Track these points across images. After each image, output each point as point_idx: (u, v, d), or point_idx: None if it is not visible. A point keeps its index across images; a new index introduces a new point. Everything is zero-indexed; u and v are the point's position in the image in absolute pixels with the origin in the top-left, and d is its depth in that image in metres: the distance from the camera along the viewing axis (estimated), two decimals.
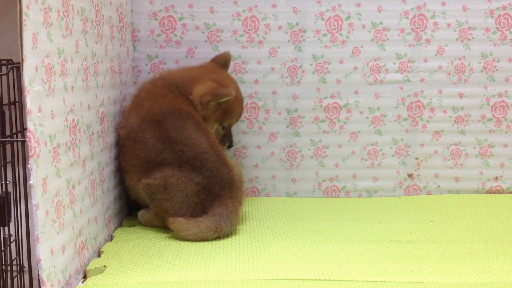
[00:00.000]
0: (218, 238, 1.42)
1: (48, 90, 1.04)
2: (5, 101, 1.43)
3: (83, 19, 1.26)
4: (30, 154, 0.96)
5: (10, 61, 1.89)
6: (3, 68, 1.84)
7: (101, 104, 1.41)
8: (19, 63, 0.96)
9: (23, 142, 1.27)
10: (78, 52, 1.21)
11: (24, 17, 0.94)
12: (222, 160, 1.51)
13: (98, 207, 1.35)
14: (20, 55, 0.95)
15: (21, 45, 0.95)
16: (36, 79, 0.98)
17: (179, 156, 1.47)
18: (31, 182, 0.96)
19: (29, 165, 0.96)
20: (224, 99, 1.58)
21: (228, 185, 1.49)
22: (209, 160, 1.49)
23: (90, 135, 1.30)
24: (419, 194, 1.87)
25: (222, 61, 1.71)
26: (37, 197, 0.97)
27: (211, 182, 1.47)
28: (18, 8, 0.94)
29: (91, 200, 1.29)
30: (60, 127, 1.10)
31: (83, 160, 1.24)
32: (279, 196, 1.88)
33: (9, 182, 1.36)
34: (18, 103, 1.43)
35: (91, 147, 1.30)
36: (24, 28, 0.94)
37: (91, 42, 1.32)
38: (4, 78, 1.80)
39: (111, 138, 1.49)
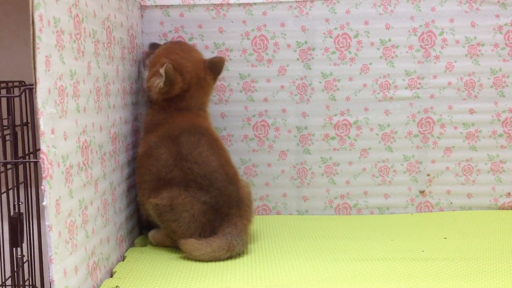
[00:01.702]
0: (230, 257, 1.42)
1: (61, 111, 1.05)
2: (18, 122, 1.45)
3: (95, 41, 1.27)
4: (43, 175, 0.96)
5: (23, 83, 1.91)
6: (16, 90, 1.86)
7: (113, 125, 1.42)
8: (31, 84, 0.98)
9: (36, 163, 1.29)
10: (90, 73, 1.23)
11: (37, 40, 0.96)
12: (231, 178, 1.51)
13: (110, 227, 1.36)
14: (33, 77, 0.96)
15: (34, 68, 0.96)
16: (49, 101, 0.99)
17: (187, 175, 1.48)
18: (44, 203, 0.96)
19: (42, 187, 0.97)
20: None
21: (236, 203, 1.49)
22: (218, 179, 1.49)
23: (102, 156, 1.30)
24: (431, 211, 1.86)
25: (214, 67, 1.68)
26: (50, 218, 0.97)
27: (219, 201, 1.47)
28: (31, 31, 0.96)
29: (103, 220, 1.30)
30: (73, 148, 1.11)
31: (96, 181, 1.24)
32: (290, 214, 1.87)
33: (22, 202, 1.38)
34: (31, 124, 1.45)
35: (103, 167, 1.31)
36: (37, 51, 0.96)
37: (103, 63, 1.34)
38: (16, 99, 1.83)
39: (122, 158, 1.50)
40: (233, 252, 1.42)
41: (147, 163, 1.52)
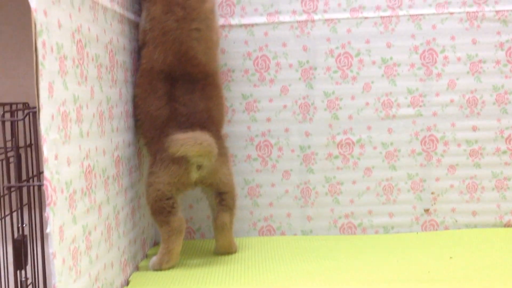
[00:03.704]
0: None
1: (64, 137, 1.05)
2: (21, 143, 1.45)
3: (98, 65, 1.28)
4: (47, 202, 0.96)
5: (26, 105, 1.92)
6: (19, 113, 1.87)
7: (116, 148, 1.41)
8: (35, 107, 0.98)
9: (39, 187, 1.29)
10: (93, 98, 1.23)
11: (40, 67, 0.96)
12: (213, 120, 1.59)
13: (114, 252, 1.35)
14: (37, 104, 0.96)
15: (38, 94, 0.96)
16: (52, 127, 0.99)
17: (171, 113, 1.55)
18: (48, 230, 0.96)
19: (45, 214, 0.96)
20: None
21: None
22: (199, 120, 1.55)
23: (105, 180, 1.30)
24: (436, 230, 1.85)
25: None
26: (54, 245, 0.97)
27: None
28: (34, 58, 0.96)
29: (107, 245, 1.29)
30: (76, 173, 1.10)
31: (99, 205, 1.24)
32: (294, 235, 1.86)
33: (26, 225, 1.37)
34: (34, 145, 1.45)
35: (107, 191, 1.31)
36: (40, 78, 0.96)
37: (106, 87, 1.34)
38: (20, 121, 1.83)
39: (126, 181, 1.50)
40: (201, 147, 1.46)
41: (147, 89, 1.55)
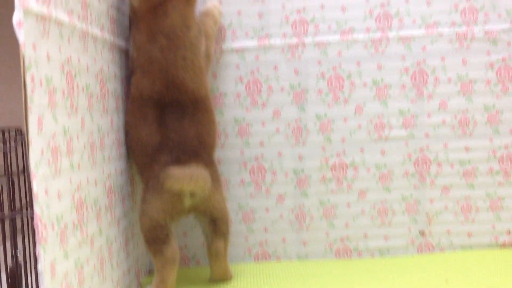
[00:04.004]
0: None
1: (55, 171, 1.03)
2: (14, 168, 1.44)
3: (88, 95, 1.27)
4: (37, 238, 0.94)
5: (19, 130, 1.90)
6: (12, 141, 1.85)
7: (108, 177, 1.40)
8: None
9: (32, 217, 1.27)
10: (84, 128, 1.22)
11: (28, 101, 0.95)
12: (205, 146, 1.59)
13: (108, 284, 1.33)
14: (26, 139, 0.95)
15: (27, 129, 0.95)
16: (42, 162, 0.98)
17: (163, 139, 1.54)
18: (39, 268, 0.94)
19: (37, 252, 0.94)
20: None
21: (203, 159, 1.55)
22: (190, 145, 1.55)
23: (97, 211, 1.28)
24: (432, 252, 1.83)
25: None
26: (45, 283, 0.95)
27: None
28: (23, 92, 0.95)
29: (100, 278, 1.27)
30: (67, 207, 1.09)
31: (91, 238, 1.22)
32: (290, 259, 1.84)
33: (19, 251, 1.35)
34: (27, 171, 1.43)
35: (99, 222, 1.29)
36: (29, 113, 0.94)
37: (97, 116, 1.33)
38: (12, 143, 1.81)
39: (118, 210, 1.48)
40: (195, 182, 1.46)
41: (137, 116, 1.54)
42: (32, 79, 0.96)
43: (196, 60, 1.58)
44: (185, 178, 1.44)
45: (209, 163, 1.55)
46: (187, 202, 1.52)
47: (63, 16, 1.10)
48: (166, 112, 1.54)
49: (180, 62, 1.54)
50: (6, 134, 1.85)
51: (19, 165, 1.56)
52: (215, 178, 1.56)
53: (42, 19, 1.00)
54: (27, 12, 0.94)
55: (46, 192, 0.99)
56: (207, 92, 1.62)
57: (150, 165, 1.52)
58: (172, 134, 1.53)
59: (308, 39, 1.80)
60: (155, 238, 1.48)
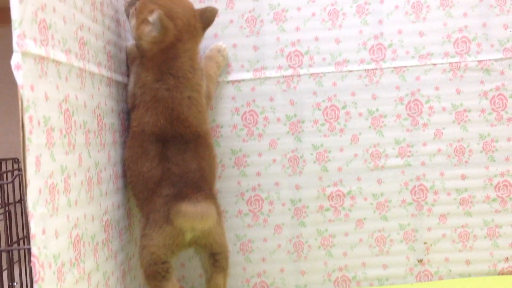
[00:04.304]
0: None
1: (52, 210, 1.04)
2: (10, 198, 1.45)
3: (86, 132, 1.28)
4: (34, 279, 0.94)
5: (16, 160, 1.91)
6: (9, 175, 1.86)
7: (105, 212, 1.40)
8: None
9: (29, 249, 1.27)
10: (81, 165, 1.23)
11: (27, 142, 0.96)
12: (206, 180, 1.58)
13: None
14: (24, 179, 0.96)
15: (25, 170, 0.96)
16: (39, 202, 0.99)
17: (164, 174, 1.53)
18: None
19: None
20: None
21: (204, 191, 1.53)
22: (192, 178, 1.53)
23: (95, 246, 1.29)
24: (431, 280, 1.83)
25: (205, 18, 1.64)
26: None
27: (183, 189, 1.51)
28: (21, 133, 0.96)
29: None
30: (64, 245, 1.09)
31: (88, 274, 1.22)
32: None
33: (16, 283, 1.36)
34: (24, 201, 1.44)
35: (96, 258, 1.29)
36: (27, 153, 0.96)
37: (94, 152, 1.34)
38: (9, 175, 1.82)
39: (116, 244, 1.48)
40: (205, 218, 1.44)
41: (138, 151, 1.54)
42: (30, 120, 0.97)
43: (200, 99, 1.60)
44: (197, 216, 1.43)
45: (211, 197, 1.55)
46: (189, 236, 1.51)
47: (60, 56, 1.12)
48: (168, 147, 1.55)
49: (186, 101, 1.56)
50: (4, 166, 1.87)
51: (15, 196, 1.57)
52: (217, 212, 1.56)
53: (40, 60, 1.02)
54: (25, 54, 0.95)
55: (43, 231, 0.99)
56: (208, 129, 1.64)
57: (151, 198, 1.52)
58: (174, 167, 1.53)
59: (303, 71, 1.83)
60: (155, 273, 1.48)
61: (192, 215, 1.44)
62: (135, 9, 1.57)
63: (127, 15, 1.63)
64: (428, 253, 1.84)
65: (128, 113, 1.65)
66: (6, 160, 1.85)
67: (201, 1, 1.81)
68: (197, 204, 1.46)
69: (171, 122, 1.55)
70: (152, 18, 1.51)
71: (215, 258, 1.57)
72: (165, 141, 1.55)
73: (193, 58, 1.61)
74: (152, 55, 1.54)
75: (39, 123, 1.00)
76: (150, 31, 1.52)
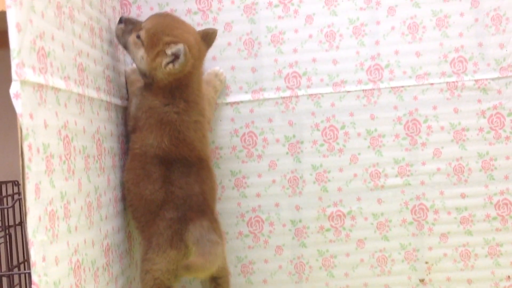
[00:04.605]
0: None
1: (52, 236, 1.04)
2: (11, 221, 1.45)
3: (85, 157, 1.28)
4: None
5: (16, 182, 1.91)
6: (9, 199, 1.86)
7: (106, 237, 1.40)
8: None
9: (30, 274, 1.27)
10: (81, 190, 1.23)
11: (26, 170, 0.96)
12: (208, 204, 1.57)
13: None
14: (24, 207, 0.96)
15: (24, 197, 0.96)
16: (39, 229, 0.99)
17: (167, 196, 1.53)
18: None
19: None
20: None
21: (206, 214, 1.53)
22: (195, 202, 1.53)
23: (95, 272, 1.29)
24: None
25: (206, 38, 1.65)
26: None
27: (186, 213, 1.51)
28: (21, 161, 0.96)
29: None
30: (65, 272, 1.09)
31: None
32: None
33: None
34: (24, 223, 1.44)
35: (97, 283, 1.29)
36: (26, 181, 0.96)
37: (94, 176, 1.34)
38: (9, 199, 1.82)
39: (116, 268, 1.48)
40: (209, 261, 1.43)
41: (140, 173, 1.53)
42: (30, 148, 0.97)
43: (205, 124, 1.62)
44: (206, 267, 1.42)
45: (214, 220, 1.55)
46: (194, 250, 1.50)
47: (59, 83, 1.13)
48: (171, 169, 1.54)
49: (193, 125, 1.57)
50: (3, 189, 1.87)
51: (16, 218, 1.57)
52: (220, 236, 1.55)
53: (39, 87, 1.03)
54: (24, 83, 0.96)
55: (43, 259, 0.99)
56: (209, 153, 1.66)
57: (154, 221, 1.51)
58: (178, 190, 1.53)
59: (301, 92, 1.84)
60: None
61: (202, 268, 1.42)
62: (138, 37, 1.54)
63: (123, 42, 1.60)
64: (429, 273, 1.83)
65: (127, 136, 1.65)
66: (6, 183, 1.85)
67: (199, 24, 1.82)
68: (206, 252, 1.44)
69: (176, 145, 1.55)
70: (172, 51, 1.49)
71: (216, 282, 1.56)
72: (168, 163, 1.54)
73: (201, 82, 1.62)
74: (165, 84, 1.54)
75: (38, 151, 1.01)
76: (168, 63, 1.50)
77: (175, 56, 1.49)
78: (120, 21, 1.59)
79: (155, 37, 1.52)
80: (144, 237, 1.55)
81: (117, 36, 1.60)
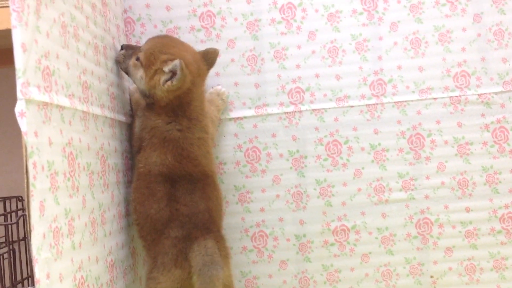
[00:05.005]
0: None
1: (56, 254, 1.05)
2: (15, 236, 1.46)
3: (89, 174, 1.29)
4: None
5: (20, 198, 1.92)
6: (13, 215, 1.87)
7: (109, 253, 1.41)
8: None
9: None
10: (85, 207, 1.24)
11: (31, 188, 0.97)
12: (214, 221, 1.57)
13: None
14: (28, 225, 0.97)
15: (29, 215, 0.97)
16: (44, 247, 1.00)
17: (172, 214, 1.53)
18: None
19: None
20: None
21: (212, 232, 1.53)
22: (201, 220, 1.53)
23: None
24: None
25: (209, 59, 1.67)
26: None
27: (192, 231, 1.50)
28: (25, 179, 0.97)
29: None
30: None
31: None
32: None
33: None
34: (28, 238, 1.45)
35: None
36: (31, 199, 0.97)
37: (98, 193, 1.35)
38: (13, 215, 1.83)
39: (120, 284, 1.48)
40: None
41: (145, 192, 1.53)
42: (34, 166, 0.98)
43: (208, 140, 1.63)
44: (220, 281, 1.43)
45: (220, 238, 1.55)
46: (195, 279, 1.50)
47: (64, 101, 1.14)
48: (176, 187, 1.54)
49: (196, 141, 1.58)
50: (8, 204, 1.88)
51: (20, 234, 1.58)
52: (225, 255, 1.54)
53: (44, 106, 1.04)
54: (29, 101, 0.97)
55: (48, 276, 1.00)
56: (215, 169, 1.66)
57: (159, 240, 1.51)
58: (183, 208, 1.53)
59: (304, 107, 1.85)
60: None
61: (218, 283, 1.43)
62: (137, 59, 1.58)
63: (124, 68, 1.62)
64: (435, 287, 1.82)
65: (131, 152, 1.66)
66: (10, 198, 1.86)
67: (202, 41, 1.84)
68: (206, 280, 1.43)
69: (180, 161, 1.55)
70: (168, 68, 1.51)
71: None
72: (173, 181, 1.55)
73: (203, 100, 1.64)
74: (166, 102, 1.55)
75: (43, 168, 1.02)
76: (166, 80, 1.52)
77: (173, 73, 1.51)
78: (121, 48, 1.63)
79: (152, 56, 1.55)
80: (149, 256, 1.55)
81: (119, 62, 1.63)
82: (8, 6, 1.00)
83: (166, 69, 1.52)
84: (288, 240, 1.85)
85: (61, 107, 1.12)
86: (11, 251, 1.58)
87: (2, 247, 1.70)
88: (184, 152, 1.55)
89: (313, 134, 1.85)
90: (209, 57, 1.64)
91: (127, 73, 1.63)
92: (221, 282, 1.44)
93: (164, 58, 1.53)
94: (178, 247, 1.47)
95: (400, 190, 1.84)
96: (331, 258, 1.84)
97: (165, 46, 1.57)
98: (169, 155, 1.54)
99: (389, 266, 1.84)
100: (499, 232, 1.82)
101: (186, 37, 1.82)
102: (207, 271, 1.42)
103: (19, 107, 0.96)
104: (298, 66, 1.85)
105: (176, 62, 1.49)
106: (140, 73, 1.57)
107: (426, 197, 1.83)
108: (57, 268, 1.05)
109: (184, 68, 1.50)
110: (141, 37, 1.83)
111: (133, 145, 1.64)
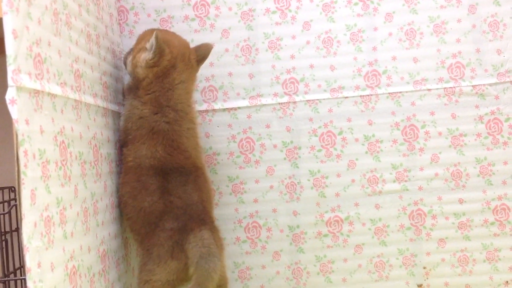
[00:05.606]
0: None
1: (47, 243, 1.04)
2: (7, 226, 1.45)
3: (82, 163, 1.28)
4: None
5: (12, 188, 1.91)
6: (5, 205, 1.86)
7: (102, 243, 1.40)
8: None
9: (25, 280, 1.27)
10: (77, 196, 1.23)
11: (22, 176, 0.96)
12: (207, 213, 1.56)
13: None
14: (20, 213, 0.96)
15: (20, 203, 0.96)
16: (35, 235, 0.99)
17: (166, 207, 1.52)
18: None
19: None
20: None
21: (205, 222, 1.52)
22: (195, 211, 1.52)
23: (91, 278, 1.28)
24: None
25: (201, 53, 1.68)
26: None
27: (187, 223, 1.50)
28: (16, 167, 0.96)
29: None
30: (60, 278, 1.09)
31: None
32: None
33: None
34: (20, 229, 1.44)
35: None
36: (22, 187, 0.96)
37: (90, 183, 1.34)
38: (5, 205, 1.82)
39: (113, 274, 1.48)
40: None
41: (136, 186, 1.53)
42: (25, 154, 0.97)
43: (197, 131, 1.63)
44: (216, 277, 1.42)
45: (214, 229, 1.54)
46: (192, 269, 1.49)
47: (56, 89, 1.13)
48: (168, 179, 1.54)
49: (185, 132, 1.58)
50: (0, 195, 1.86)
51: (12, 224, 1.57)
52: (219, 245, 1.53)
53: (35, 93, 1.03)
54: (20, 89, 0.96)
55: (39, 265, 0.99)
56: (204, 162, 1.66)
57: (154, 232, 1.50)
58: (176, 200, 1.52)
59: (299, 98, 1.84)
60: None
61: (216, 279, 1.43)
62: (131, 49, 1.63)
63: (125, 64, 1.66)
64: (427, 278, 1.83)
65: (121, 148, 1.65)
66: (2, 189, 1.84)
67: (196, 31, 1.83)
68: (203, 274, 1.42)
69: (171, 153, 1.55)
70: (148, 44, 1.54)
71: None
72: (164, 174, 1.54)
73: (190, 93, 1.62)
74: (147, 84, 1.55)
75: (34, 156, 1.01)
76: (145, 57, 1.54)
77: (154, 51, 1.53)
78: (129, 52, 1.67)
79: (141, 38, 1.61)
80: (143, 248, 1.54)
81: (124, 64, 1.67)
82: None
83: (147, 45, 1.54)
84: (281, 231, 1.85)
85: (52, 95, 1.11)
86: (4, 242, 1.57)
87: None
88: (174, 144, 1.55)
89: (307, 125, 1.85)
90: (200, 50, 1.64)
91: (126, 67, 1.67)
92: (218, 274, 1.44)
93: (148, 38, 1.55)
94: (173, 238, 1.46)
95: (394, 182, 1.84)
96: (324, 249, 1.84)
97: (155, 30, 1.59)
98: (159, 147, 1.53)
99: (382, 257, 1.84)
100: (492, 223, 1.83)
101: (180, 27, 1.81)
102: (205, 263, 1.42)
103: (10, 94, 0.94)
104: (292, 57, 1.84)
105: (155, 33, 1.52)
106: (130, 57, 1.61)
107: (420, 188, 1.83)
108: (49, 257, 1.04)
109: (160, 40, 1.51)
110: (134, 26, 1.82)
111: (118, 139, 1.62)
